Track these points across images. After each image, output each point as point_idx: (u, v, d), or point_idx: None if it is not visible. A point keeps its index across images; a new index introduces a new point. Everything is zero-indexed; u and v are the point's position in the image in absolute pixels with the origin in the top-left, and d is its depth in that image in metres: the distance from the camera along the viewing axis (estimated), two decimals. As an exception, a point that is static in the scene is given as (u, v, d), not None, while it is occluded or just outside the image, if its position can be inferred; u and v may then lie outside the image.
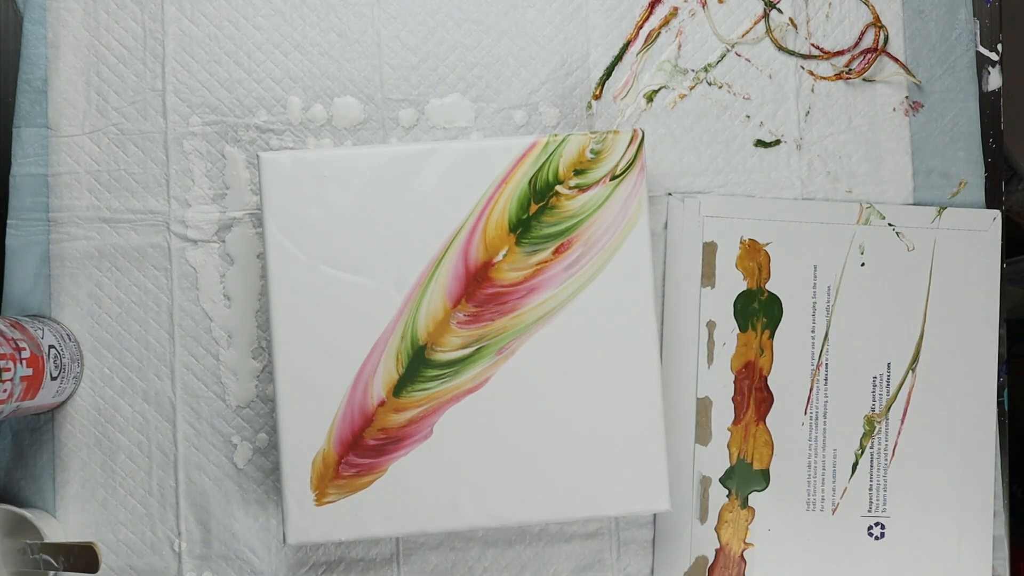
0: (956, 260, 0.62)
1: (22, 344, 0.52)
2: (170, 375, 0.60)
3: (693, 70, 0.62)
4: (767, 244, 0.61)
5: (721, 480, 0.61)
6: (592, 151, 0.54)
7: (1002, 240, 0.62)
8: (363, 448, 0.54)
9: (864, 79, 0.63)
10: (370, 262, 0.54)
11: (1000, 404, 0.62)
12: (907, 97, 0.63)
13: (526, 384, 0.54)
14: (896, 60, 0.63)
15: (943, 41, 0.63)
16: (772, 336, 0.61)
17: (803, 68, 0.63)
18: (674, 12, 0.62)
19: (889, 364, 0.62)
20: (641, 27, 0.62)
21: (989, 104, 0.63)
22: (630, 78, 0.62)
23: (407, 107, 0.61)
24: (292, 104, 0.61)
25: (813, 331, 0.61)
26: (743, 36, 0.63)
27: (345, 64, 0.61)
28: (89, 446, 0.60)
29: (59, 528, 0.58)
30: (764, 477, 0.61)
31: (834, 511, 0.61)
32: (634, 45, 0.62)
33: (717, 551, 0.61)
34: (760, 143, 0.62)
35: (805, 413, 0.61)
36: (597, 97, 0.62)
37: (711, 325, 0.61)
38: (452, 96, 0.61)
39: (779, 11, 0.63)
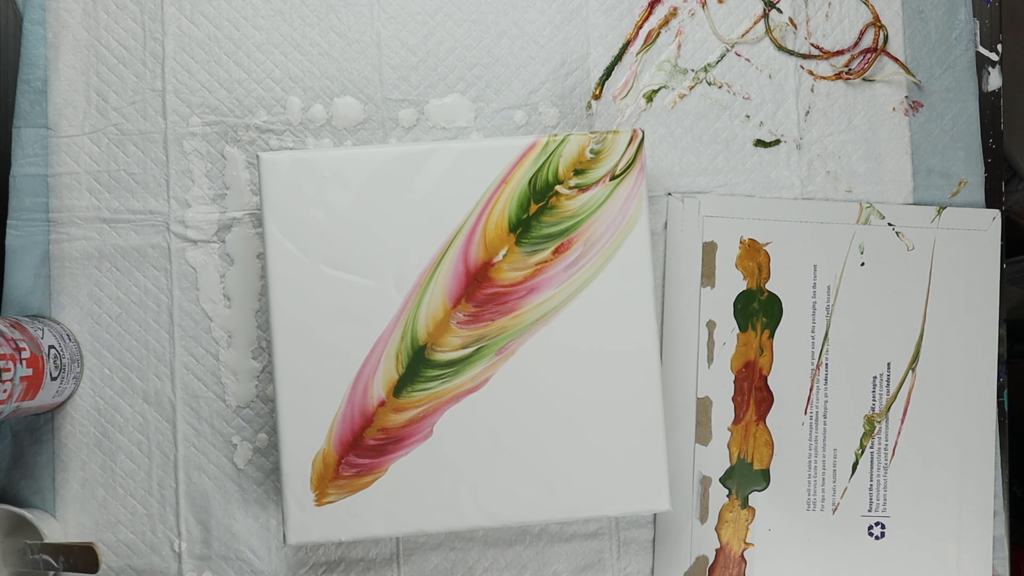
0: (956, 260, 0.62)
1: (22, 344, 0.52)
2: (170, 375, 0.60)
3: (693, 70, 0.62)
4: (767, 244, 0.61)
5: (721, 480, 0.61)
6: (592, 151, 0.54)
7: (1002, 240, 0.62)
8: (363, 448, 0.54)
9: (864, 79, 0.63)
10: (370, 262, 0.54)
11: (1000, 404, 0.62)
12: (907, 97, 0.63)
13: (526, 384, 0.54)
14: (896, 60, 0.63)
15: (943, 41, 0.63)
16: (772, 336, 0.61)
17: (803, 68, 0.63)
18: (674, 12, 0.62)
19: (889, 364, 0.62)
20: (641, 27, 0.62)
21: (989, 104, 0.63)
22: (630, 78, 0.62)
23: (407, 107, 0.61)
24: (292, 104, 0.61)
25: (813, 331, 0.61)
26: (743, 36, 0.63)
27: (345, 64, 0.61)
28: (89, 446, 0.60)
29: (59, 528, 0.58)
30: (764, 477, 0.61)
31: (834, 511, 0.61)
32: (634, 45, 0.62)
33: (717, 551, 0.61)
34: (760, 143, 0.62)
35: (805, 413, 0.61)
36: (597, 97, 0.62)
37: (711, 325, 0.61)
38: (452, 96, 0.61)
39: (779, 11, 0.63)
